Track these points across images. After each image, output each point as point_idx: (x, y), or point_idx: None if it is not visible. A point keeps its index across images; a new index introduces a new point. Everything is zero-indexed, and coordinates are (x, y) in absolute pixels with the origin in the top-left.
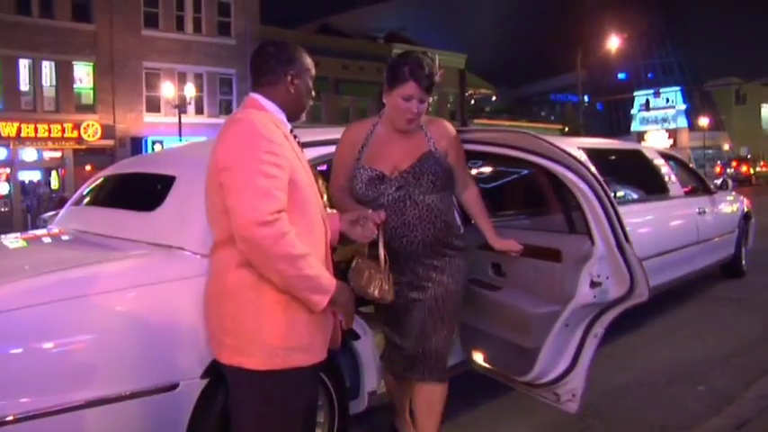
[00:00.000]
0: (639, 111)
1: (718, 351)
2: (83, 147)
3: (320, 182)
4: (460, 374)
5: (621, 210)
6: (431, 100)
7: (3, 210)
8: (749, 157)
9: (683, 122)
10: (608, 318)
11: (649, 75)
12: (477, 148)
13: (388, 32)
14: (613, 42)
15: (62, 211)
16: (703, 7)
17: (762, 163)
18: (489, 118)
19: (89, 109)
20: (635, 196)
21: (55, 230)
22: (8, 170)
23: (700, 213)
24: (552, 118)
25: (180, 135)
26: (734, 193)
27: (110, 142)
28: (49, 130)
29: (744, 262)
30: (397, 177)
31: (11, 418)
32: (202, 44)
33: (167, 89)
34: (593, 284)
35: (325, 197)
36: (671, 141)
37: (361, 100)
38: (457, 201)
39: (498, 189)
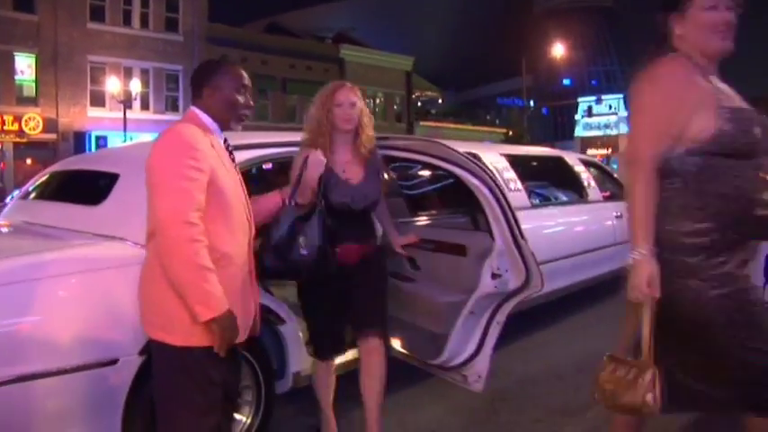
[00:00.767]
0: (583, 117)
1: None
2: (23, 140)
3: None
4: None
5: (545, 211)
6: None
7: None
8: None
9: (624, 129)
10: (508, 306)
11: (593, 81)
12: (395, 154)
13: (336, 32)
14: (558, 49)
15: (9, 205)
16: (645, 17)
17: None
18: (435, 120)
19: (31, 102)
20: (556, 199)
21: (1, 221)
22: None
23: (617, 217)
24: (498, 122)
25: (125, 130)
26: None
27: (52, 136)
28: None
29: None
30: None
31: None
32: (149, 39)
33: (112, 84)
34: (494, 276)
35: None
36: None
37: (309, 99)
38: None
39: (422, 193)
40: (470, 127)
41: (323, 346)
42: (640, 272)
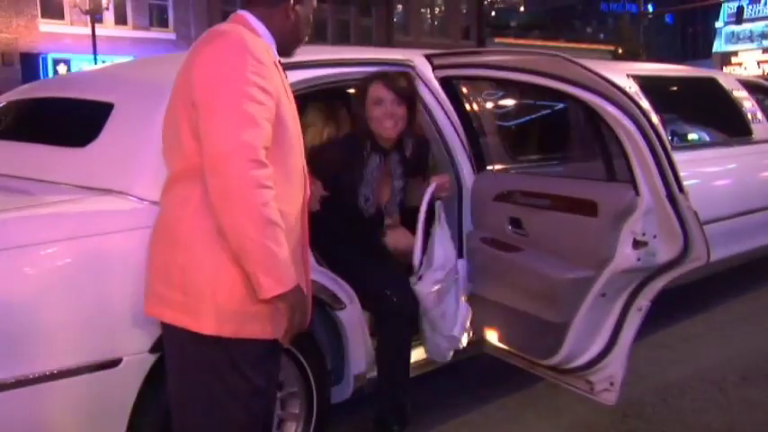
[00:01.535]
0: (726, 24)
1: None
2: None
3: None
4: (470, 360)
5: (685, 156)
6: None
7: None
8: None
9: None
10: (656, 287)
11: None
12: (490, 74)
13: None
14: None
15: None
16: None
17: None
18: (516, 36)
19: None
20: (706, 139)
21: None
22: None
23: None
24: (602, 36)
25: (94, 53)
26: None
27: None
28: None
29: None
30: None
31: None
32: None
33: None
34: (637, 244)
35: None
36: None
37: (343, 10)
38: None
39: (521, 128)
40: (564, 44)
41: None
42: None
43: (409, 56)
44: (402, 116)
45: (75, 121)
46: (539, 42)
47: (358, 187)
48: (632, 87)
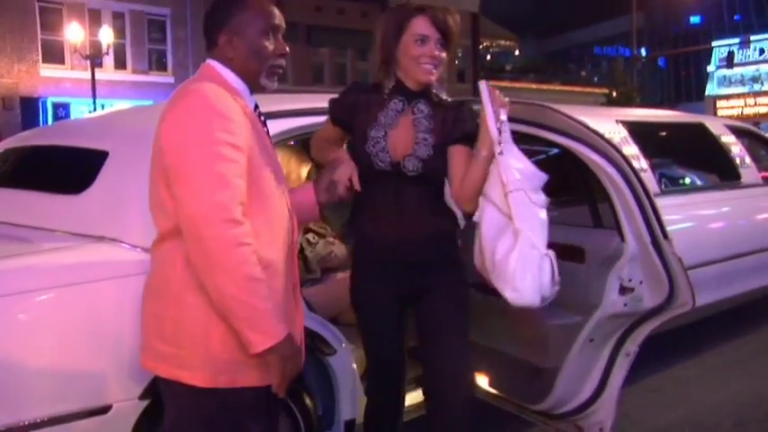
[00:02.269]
0: (718, 68)
1: None
2: None
3: (292, 162)
4: None
5: (675, 200)
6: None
7: None
8: None
9: None
10: (643, 332)
11: (736, 16)
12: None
13: None
14: None
15: None
16: None
17: None
18: (511, 79)
19: None
20: (696, 183)
21: None
22: None
23: None
24: (596, 79)
25: (93, 96)
26: None
27: None
28: None
29: None
30: None
31: None
32: None
33: (74, 32)
34: (624, 290)
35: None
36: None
37: (340, 54)
38: None
39: None
40: (559, 87)
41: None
42: None
43: None
44: (443, 61)
45: (70, 169)
46: (533, 86)
47: (369, 129)
48: (621, 133)
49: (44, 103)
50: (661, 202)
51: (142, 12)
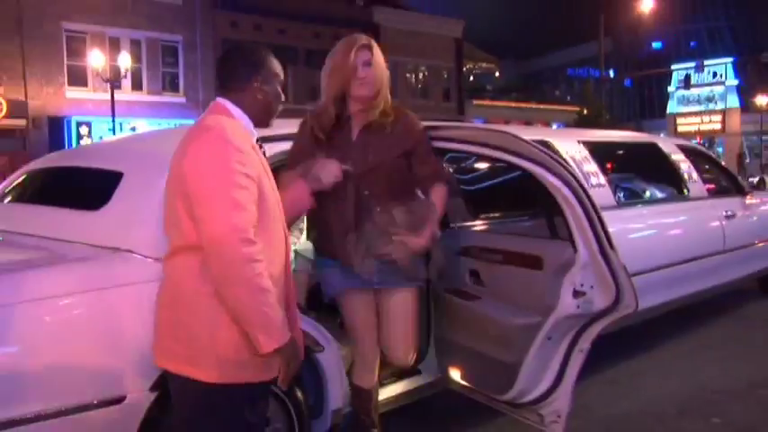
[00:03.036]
0: (677, 88)
1: (742, 380)
2: None
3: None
4: (438, 395)
5: (631, 212)
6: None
7: None
8: None
9: (733, 102)
10: (594, 331)
11: (692, 43)
12: (451, 146)
13: None
14: (646, 2)
15: None
16: None
17: None
18: (492, 98)
19: None
20: (649, 197)
21: None
22: None
23: (727, 217)
24: (569, 98)
25: (113, 115)
26: None
27: (20, 122)
28: None
29: None
30: None
31: None
32: (140, 2)
33: (96, 58)
34: (577, 294)
35: None
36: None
37: None
38: None
39: (484, 190)
40: (535, 105)
41: None
42: None
43: None
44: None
45: (90, 188)
46: (513, 104)
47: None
48: (582, 152)
49: (69, 122)
50: (619, 214)
51: (157, 39)
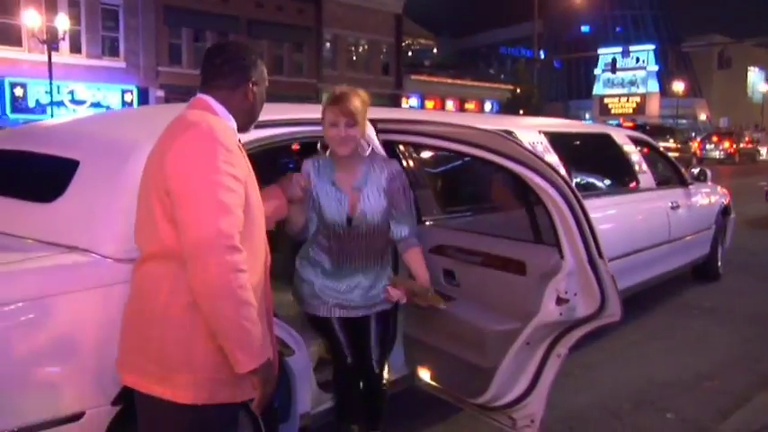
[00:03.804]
0: (604, 71)
1: (689, 371)
2: None
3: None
4: (402, 392)
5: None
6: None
7: None
8: (731, 129)
9: (654, 86)
10: (573, 337)
11: (618, 29)
12: (431, 143)
13: None
14: None
15: None
16: None
17: (746, 138)
18: (429, 74)
19: None
20: (601, 188)
21: None
22: None
23: (673, 208)
24: (502, 76)
25: (50, 78)
26: (711, 184)
27: None
28: None
29: (720, 263)
30: None
31: None
32: None
33: (31, 17)
34: (560, 301)
35: None
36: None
37: (278, 46)
38: None
39: (457, 181)
40: (470, 82)
41: None
42: None
43: None
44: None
45: (41, 176)
46: (449, 80)
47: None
48: (543, 142)
49: (1, 83)
50: None
51: (96, 0)
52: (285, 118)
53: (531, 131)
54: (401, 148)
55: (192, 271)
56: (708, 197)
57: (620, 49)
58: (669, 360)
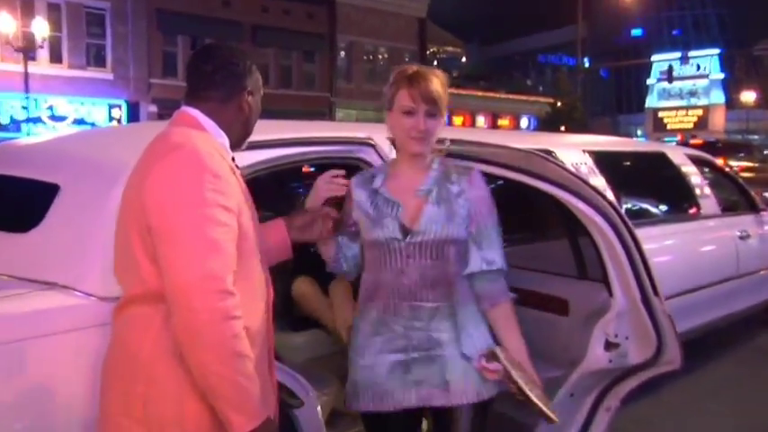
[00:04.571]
0: (658, 80)
1: (761, 430)
2: None
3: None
4: None
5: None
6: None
7: None
8: None
9: (718, 97)
10: (625, 388)
11: (675, 32)
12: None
13: None
14: None
15: None
16: None
17: None
18: (457, 86)
19: None
20: (655, 215)
21: None
22: None
23: (741, 238)
24: (541, 88)
25: (26, 91)
26: None
27: None
28: None
29: None
30: None
31: None
32: None
33: (4, 22)
34: (609, 345)
35: None
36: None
37: (286, 55)
38: None
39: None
40: (504, 95)
41: None
42: None
43: (370, 133)
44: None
45: (15, 202)
46: (480, 93)
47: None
48: (588, 162)
49: None
50: None
51: (80, 4)
52: (294, 137)
53: (574, 151)
54: None
55: (176, 320)
56: None
57: (677, 54)
58: (741, 415)
